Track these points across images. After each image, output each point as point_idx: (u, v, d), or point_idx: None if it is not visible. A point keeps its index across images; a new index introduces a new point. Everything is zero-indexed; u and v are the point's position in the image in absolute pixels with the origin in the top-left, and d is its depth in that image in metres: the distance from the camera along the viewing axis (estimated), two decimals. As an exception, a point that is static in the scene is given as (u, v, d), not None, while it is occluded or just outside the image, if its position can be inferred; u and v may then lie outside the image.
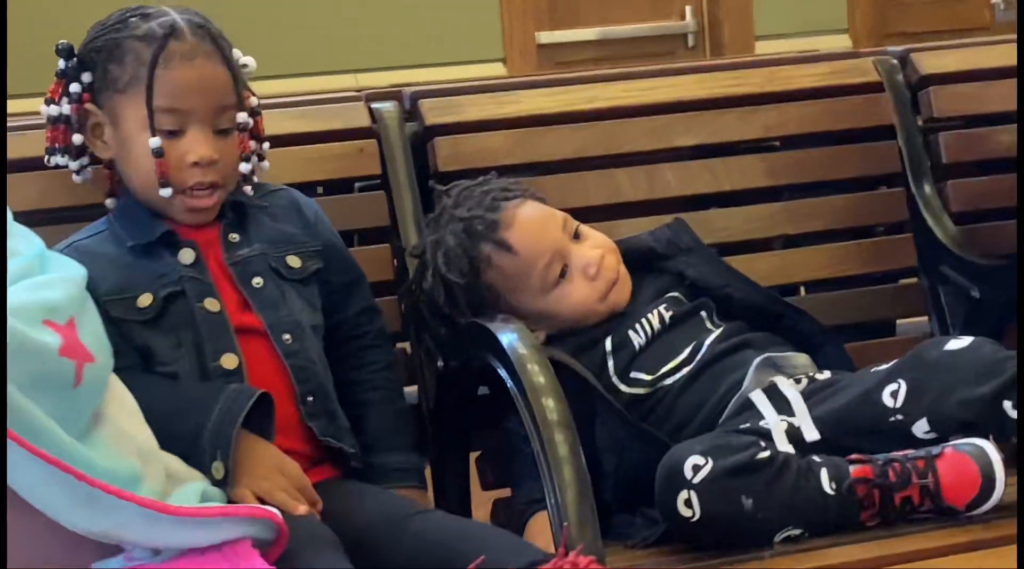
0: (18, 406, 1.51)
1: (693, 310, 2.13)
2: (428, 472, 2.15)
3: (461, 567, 1.67)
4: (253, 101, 2.01)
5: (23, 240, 1.76)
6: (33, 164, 2.02)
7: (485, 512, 2.17)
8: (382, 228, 2.23)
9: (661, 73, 2.45)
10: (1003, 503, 1.86)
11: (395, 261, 2.22)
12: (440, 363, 2.14)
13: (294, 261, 1.98)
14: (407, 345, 2.21)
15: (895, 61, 2.48)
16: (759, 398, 1.99)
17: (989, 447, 1.86)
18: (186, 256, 1.91)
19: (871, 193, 2.45)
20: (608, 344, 2.08)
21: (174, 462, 1.74)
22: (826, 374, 2.06)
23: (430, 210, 2.18)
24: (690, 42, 5.40)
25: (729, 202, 2.38)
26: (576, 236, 2.13)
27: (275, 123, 2.12)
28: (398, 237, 2.22)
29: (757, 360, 2.03)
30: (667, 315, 2.11)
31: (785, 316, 2.17)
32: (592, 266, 2.10)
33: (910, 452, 1.88)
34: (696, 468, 1.82)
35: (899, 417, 1.91)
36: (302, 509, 1.79)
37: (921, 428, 1.91)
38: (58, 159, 1.98)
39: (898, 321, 2.46)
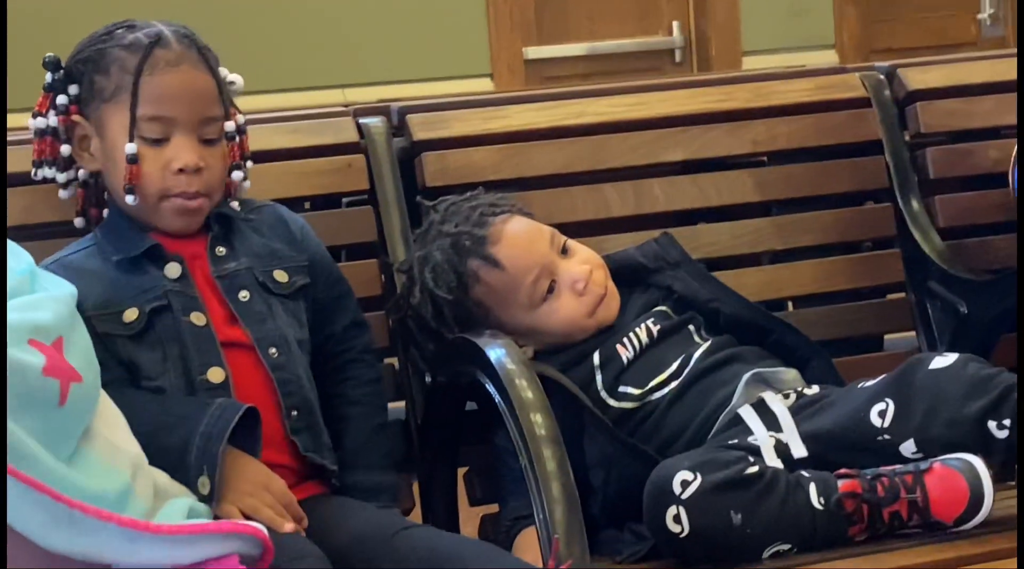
0: None
1: (681, 324, 2.12)
2: (416, 488, 2.15)
3: (449, 583, 1.67)
4: (240, 118, 2.00)
5: (12, 256, 1.75)
6: (19, 179, 2.01)
7: (473, 527, 2.16)
8: (370, 243, 2.22)
9: (649, 88, 2.45)
10: (991, 518, 1.85)
11: (383, 276, 2.22)
12: (428, 378, 2.14)
13: (281, 276, 1.97)
14: (395, 360, 2.21)
15: (882, 77, 2.48)
16: (748, 414, 1.99)
17: (978, 462, 1.85)
18: (172, 270, 1.91)
19: (859, 208, 2.45)
20: (596, 359, 2.08)
21: (162, 477, 1.73)
22: (815, 389, 2.06)
23: (418, 225, 2.18)
24: (677, 57, 5.41)
25: (717, 217, 2.38)
26: (564, 251, 2.13)
27: (263, 138, 2.12)
28: (386, 252, 2.22)
29: (747, 375, 2.03)
30: (655, 329, 2.11)
31: (773, 330, 2.17)
32: (580, 281, 2.10)
33: (898, 467, 1.88)
34: (685, 483, 1.81)
35: (887, 437, 1.91)
36: (288, 526, 1.78)
37: (909, 449, 1.90)
38: (46, 172, 1.97)
39: (886, 336, 2.46)
